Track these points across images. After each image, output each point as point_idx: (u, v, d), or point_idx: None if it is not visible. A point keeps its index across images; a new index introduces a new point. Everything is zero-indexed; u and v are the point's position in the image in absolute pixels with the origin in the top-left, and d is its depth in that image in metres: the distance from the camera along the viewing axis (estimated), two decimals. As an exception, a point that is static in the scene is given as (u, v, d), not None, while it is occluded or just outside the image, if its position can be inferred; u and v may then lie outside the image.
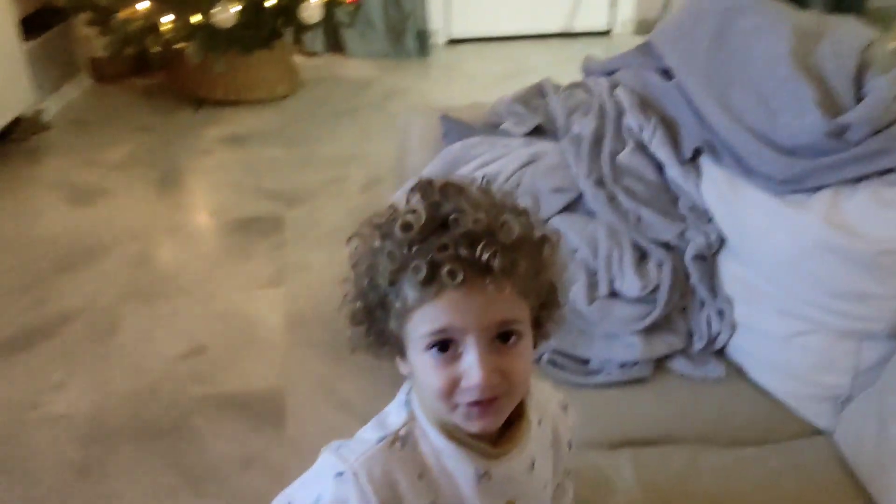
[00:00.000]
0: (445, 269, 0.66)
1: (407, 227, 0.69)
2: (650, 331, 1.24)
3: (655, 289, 1.25)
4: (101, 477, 1.60)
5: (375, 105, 3.45)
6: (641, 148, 1.40)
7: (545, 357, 1.23)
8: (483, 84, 3.67)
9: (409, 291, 0.69)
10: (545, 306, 0.76)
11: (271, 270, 2.28)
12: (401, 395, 0.79)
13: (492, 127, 1.57)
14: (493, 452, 0.75)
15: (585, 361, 1.24)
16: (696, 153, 1.35)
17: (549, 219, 1.36)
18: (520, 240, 0.70)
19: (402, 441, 0.75)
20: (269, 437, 1.70)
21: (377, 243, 0.71)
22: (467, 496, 0.75)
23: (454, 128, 1.54)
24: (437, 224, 0.69)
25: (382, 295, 0.71)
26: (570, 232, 1.33)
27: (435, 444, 0.75)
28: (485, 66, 3.90)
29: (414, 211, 0.70)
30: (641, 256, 1.30)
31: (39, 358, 1.93)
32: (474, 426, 0.72)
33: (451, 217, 0.68)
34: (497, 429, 0.75)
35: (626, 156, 1.39)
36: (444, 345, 0.69)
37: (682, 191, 1.34)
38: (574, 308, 1.25)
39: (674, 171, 1.35)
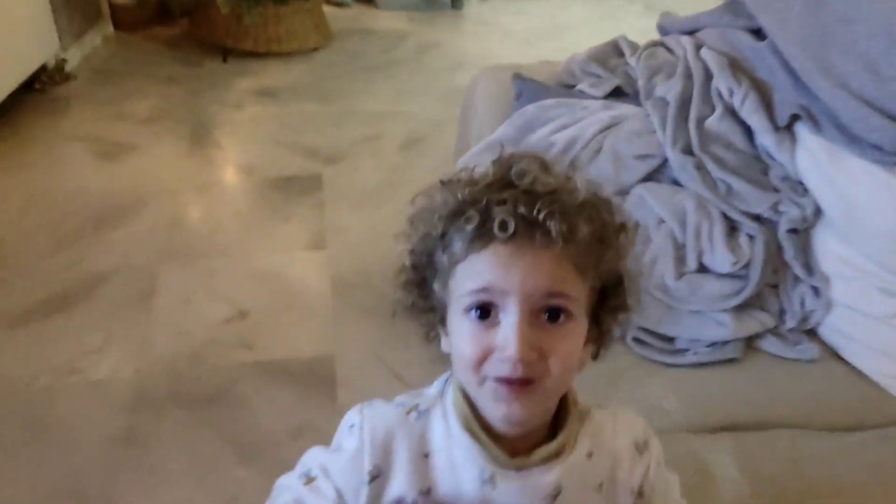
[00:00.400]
0: (498, 219, 0.62)
1: (472, 181, 0.66)
2: (741, 308, 1.16)
3: (747, 264, 1.17)
4: (145, 446, 1.55)
5: (410, 60, 3.33)
6: (731, 113, 1.30)
7: (630, 334, 1.15)
8: (519, 40, 3.54)
9: (458, 241, 0.64)
10: (608, 297, 0.69)
11: (312, 232, 2.20)
12: (444, 375, 0.74)
13: (566, 88, 1.47)
14: (506, 460, 0.68)
15: (671, 339, 1.16)
16: (792, 120, 1.25)
17: (631, 187, 1.28)
18: (585, 206, 0.65)
19: (419, 414, 0.71)
20: (319, 407, 1.64)
21: (438, 196, 0.67)
22: (467, 499, 0.68)
23: (528, 88, 1.44)
24: (504, 182, 0.65)
25: (432, 248, 0.67)
26: (656, 202, 1.24)
27: (452, 429, 0.69)
28: (519, 21, 3.77)
29: (483, 169, 0.66)
30: (731, 229, 1.21)
31: (76, 320, 1.87)
32: (499, 410, 0.65)
33: (518, 175, 0.64)
34: (523, 431, 0.68)
35: (715, 122, 1.29)
36: (485, 310, 0.64)
37: (774, 160, 1.25)
38: (661, 283, 1.17)
39: (766, 139, 1.25)
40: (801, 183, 1.22)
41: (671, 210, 1.23)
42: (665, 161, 1.29)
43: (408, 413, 0.71)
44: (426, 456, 0.69)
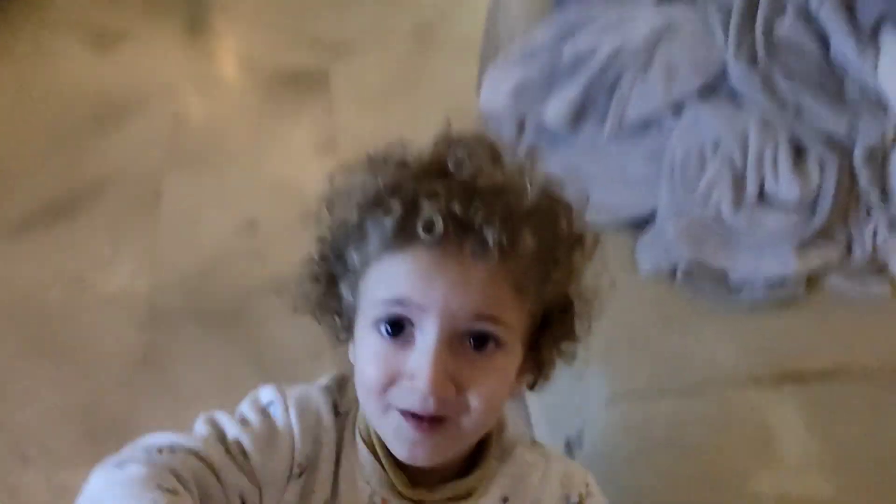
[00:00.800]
0: (424, 216, 0.52)
1: (402, 163, 0.56)
2: (805, 241, 1.08)
3: (815, 193, 1.08)
4: (164, 364, 1.50)
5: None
6: (805, 17, 1.16)
7: (681, 270, 1.07)
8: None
9: (374, 236, 0.55)
10: (551, 324, 0.59)
11: (322, 136, 2.08)
12: None
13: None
14: (403, 490, 0.59)
15: (723, 276, 1.08)
16: (877, 24, 1.12)
17: (684, 104, 1.16)
18: (536, 212, 0.55)
19: (339, 412, 0.62)
20: (339, 326, 1.58)
21: (359, 177, 0.58)
22: None
23: None
24: (440, 169, 0.55)
25: (344, 239, 0.58)
26: (713, 121, 1.13)
27: (355, 436, 0.61)
28: None
29: (419, 151, 0.57)
30: (798, 153, 1.11)
31: (82, 230, 1.78)
32: (402, 449, 0.56)
33: (458, 163, 0.55)
34: (430, 468, 0.58)
35: (786, 26, 1.16)
36: (398, 325, 0.55)
37: (852, 71, 1.13)
38: (716, 215, 1.09)
39: (846, 46, 1.13)
40: (882, 99, 1.11)
41: (730, 131, 1.12)
42: (725, 73, 1.17)
43: (333, 409, 0.62)
44: (338, 463, 0.61)
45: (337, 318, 0.62)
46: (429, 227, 0.52)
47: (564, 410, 1.01)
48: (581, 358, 1.00)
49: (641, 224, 1.14)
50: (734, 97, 1.17)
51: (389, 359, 0.55)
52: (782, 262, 1.07)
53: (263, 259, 1.72)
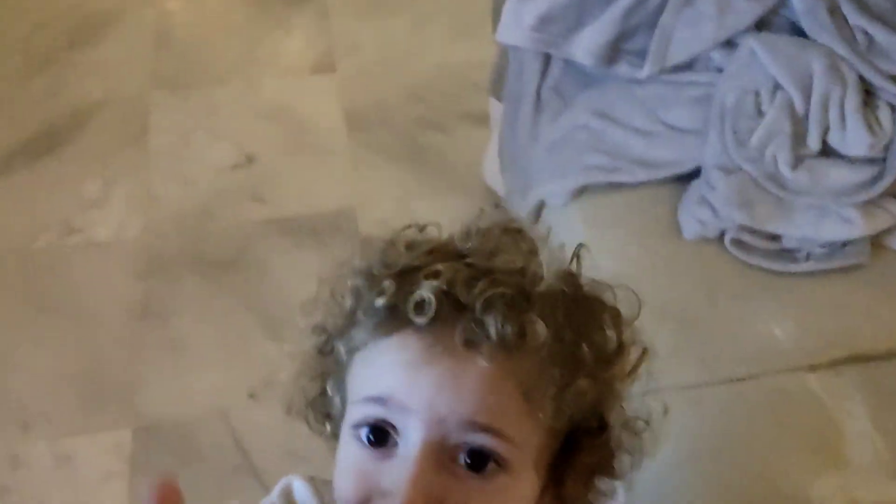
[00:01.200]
0: (416, 295, 0.45)
1: (412, 244, 0.50)
2: (872, 201, 0.96)
3: (887, 145, 0.96)
4: (164, 318, 1.42)
5: None
6: (881, -65, 1.00)
7: (729, 236, 0.97)
8: None
9: (363, 320, 0.48)
10: (577, 448, 0.50)
11: (318, 50, 1.90)
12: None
13: None
14: None
15: (777, 238, 0.98)
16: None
17: (738, 39, 1.01)
18: (551, 299, 0.46)
19: None
20: (346, 271, 1.49)
21: (365, 262, 0.50)
22: None
23: None
24: (450, 251, 0.49)
25: (337, 328, 0.50)
26: (771, 60, 0.99)
27: None
28: None
29: (430, 237, 0.51)
30: (868, 99, 0.98)
31: (67, 165, 1.66)
32: None
33: (464, 243, 0.49)
34: None
35: (859, -53, 1.00)
36: (381, 432, 0.46)
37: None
38: (772, 172, 0.96)
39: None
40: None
41: (791, 72, 0.98)
42: (787, 2, 1.01)
43: None
44: None
45: (328, 425, 0.54)
46: (420, 308, 0.45)
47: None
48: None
49: (684, 181, 1.02)
50: (797, 32, 1.02)
51: (367, 472, 0.46)
52: (845, 225, 0.96)
53: (264, 199, 1.61)
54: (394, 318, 0.46)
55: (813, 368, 0.87)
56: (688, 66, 1.05)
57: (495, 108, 1.41)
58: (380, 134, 1.72)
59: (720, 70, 1.03)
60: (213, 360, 1.36)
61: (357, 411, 0.47)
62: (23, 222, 1.56)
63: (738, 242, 0.97)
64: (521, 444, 0.45)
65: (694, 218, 0.98)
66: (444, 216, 1.59)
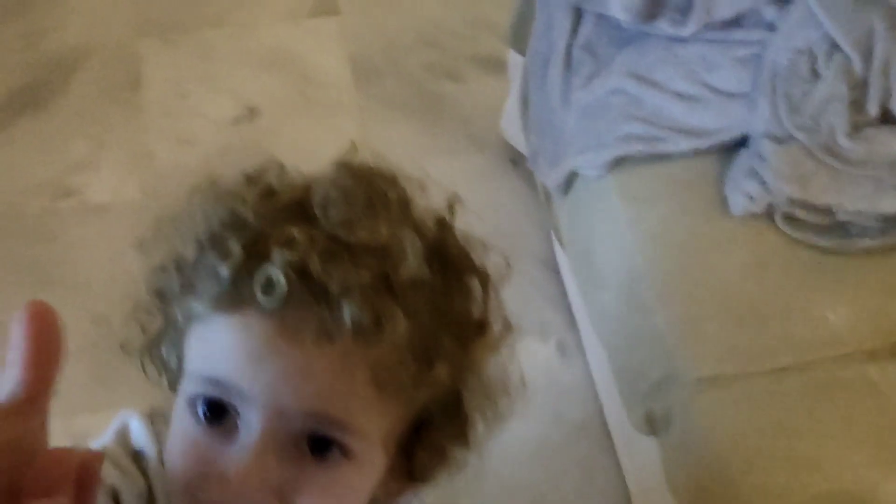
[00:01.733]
0: (266, 271, 0.41)
1: (268, 192, 0.46)
2: (931, 172, 0.90)
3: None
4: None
5: None
6: None
7: (780, 212, 0.91)
8: None
9: (204, 285, 0.44)
10: (432, 425, 0.47)
11: (316, -11, 1.78)
12: None
13: None
14: None
15: (829, 212, 0.92)
16: None
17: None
18: (415, 287, 0.43)
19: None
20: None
21: (213, 201, 0.47)
22: None
23: None
24: (303, 210, 0.45)
25: (176, 279, 0.46)
26: (828, 19, 0.90)
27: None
28: None
29: (291, 183, 0.47)
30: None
31: (53, 121, 1.56)
32: None
33: (323, 203, 0.44)
34: None
35: None
36: (218, 409, 0.43)
37: None
38: (827, 143, 0.90)
39: None
40: None
41: (850, 31, 0.90)
42: (846, -47, 0.92)
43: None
44: None
45: (165, 377, 0.51)
46: (269, 288, 0.41)
47: (644, 380, 0.89)
48: (665, 322, 0.87)
49: (731, 151, 0.95)
50: (856, -14, 0.93)
51: (203, 450, 0.43)
52: (903, 198, 0.90)
53: (269, 154, 1.52)
54: (236, 293, 0.42)
55: (872, 356, 0.82)
56: (735, 22, 0.96)
57: (515, 61, 1.32)
58: (388, 84, 1.63)
59: (772, 28, 0.95)
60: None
61: (193, 385, 0.44)
62: (11, 186, 1.47)
63: (789, 218, 0.91)
64: (368, 433, 0.43)
65: (741, 192, 0.92)
66: (462, 176, 1.53)
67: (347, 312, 0.40)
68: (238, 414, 0.43)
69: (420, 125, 1.55)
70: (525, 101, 1.20)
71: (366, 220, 0.43)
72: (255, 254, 0.42)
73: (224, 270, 0.42)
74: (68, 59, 1.64)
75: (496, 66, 1.58)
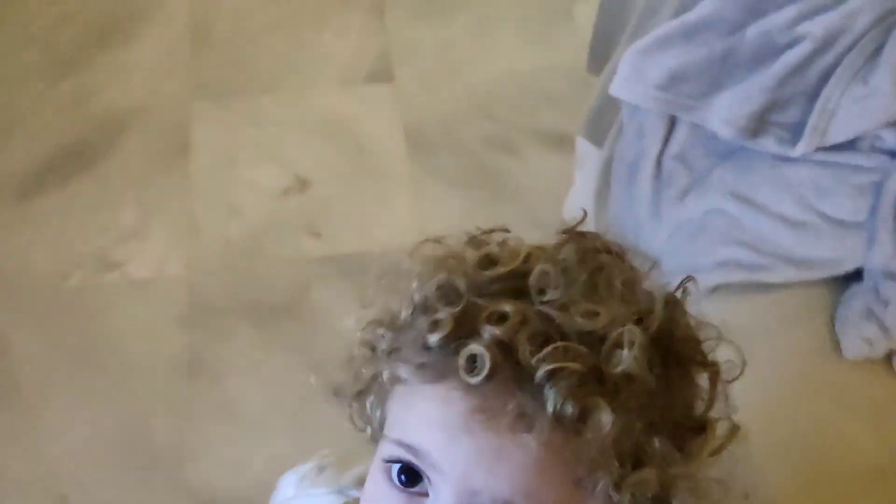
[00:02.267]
0: (470, 347, 0.41)
1: (486, 261, 0.46)
2: None
3: None
4: (214, 374, 1.28)
5: None
6: None
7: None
8: None
9: (409, 351, 0.44)
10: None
11: (374, 54, 1.72)
12: None
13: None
14: None
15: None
16: None
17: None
18: (629, 382, 0.41)
19: None
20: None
21: (430, 262, 0.47)
22: None
23: None
24: (520, 285, 0.44)
25: (388, 335, 0.47)
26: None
27: None
28: None
29: (514, 252, 0.46)
30: None
31: (100, 187, 1.50)
32: None
33: (542, 281, 0.43)
34: None
35: None
36: (412, 473, 0.44)
37: None
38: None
39: None
40: None
41: None
42: None
43: None
44: None
45: (369, 428, 0.53)
46: (471, 366, 0.40)
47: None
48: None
49: (843, 286, 0.87)
50: None
51: None
52: None
53: (317, 232, 1.45)
54: (441, 364, 0.42)
55: None
56: (851, 145, 0.88)
57: (584, 149, 1.25)
58: (443, 156, 1.56)
59: (893, 154, 0.87)
60: (271, 427, 1.23)
61: (390, 448, 0.45)
62: (55, 252, 1.42)
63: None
64: None
65: (858, 335, 0.84)
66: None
67: (550, 401, 0.39)
68: (430, 482, 0.43)
69: (476, 200, 1.48)
70: (601, 197, 1.12)
71: (584, 304, 0.42)
72: (465, 326, 0.42)
73: (431, 341, 0.42)
74: (116, 120, 1.59)
75: (557, 142, 1.52)
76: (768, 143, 0.91)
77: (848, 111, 0.87)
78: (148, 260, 1.41)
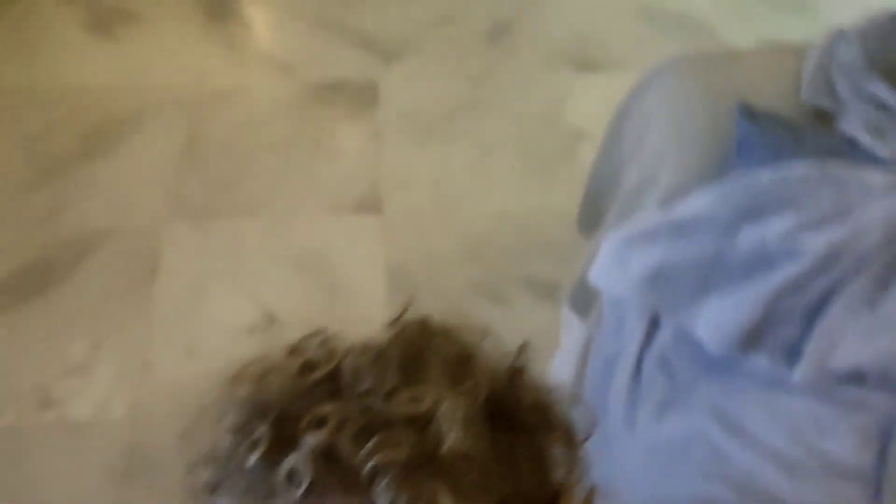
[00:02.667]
0: (287, 461, 0.38)
1: (305, 367, 0.42)
2: None
3: None
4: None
5: None
6: None
7: None
8: None
9: (230, 482, 0.41)
10: None
11: (365, 183, 1.64)
12: None
13: (820, 120, 0.85)
14: None
15: None
16: None
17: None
18: (471, 457, 0.38)
19: None
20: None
21: (242, 386, 0.44)
22: None
23: (761, 134, 0.80)
24: (336, 383, 0.41)
25: (212, 469, 0.43)
26: None
27: None
28: None
29: (331, 353, 0.43)
30: None
31: (56, 312, 1.42)
32: None
33: (352, 379, 0.41)
34: None
35: None
36: None
37: None
38: None
39: None
40: None
41: None
42: None
43: None
44: None
45: None
46: (291, 481, 0.38)
47: None
48: None
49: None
50: None
51: None
52: None
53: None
54: (267, 482, 0.39)
55: None
56: (857, 378, 0.76)
57: (569, 317, 1.14)
58: (425, 300, 1.44)
59: (908, 394, 0.74)
60: None
61: None
62: (-6, 385, 1.32)
63: None
64: None
65: None
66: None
67: (382, 497, 0.37)
68: None
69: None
70: (581, 378, 1.00)
71: (406, 389, 0.40)
72: (285, 440, 0.39)
73: (251, 462, 0.40)
74: (84, 240, 1.51)
75: (549, 292, 1.41)
76: (760, 362, 0.78)
77: (856, 338, 0.74)
78: (90, 399, 1.31)
